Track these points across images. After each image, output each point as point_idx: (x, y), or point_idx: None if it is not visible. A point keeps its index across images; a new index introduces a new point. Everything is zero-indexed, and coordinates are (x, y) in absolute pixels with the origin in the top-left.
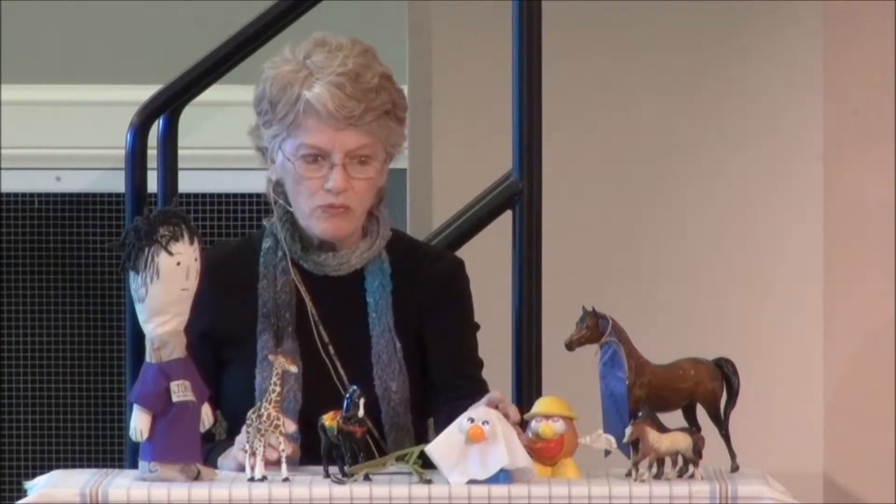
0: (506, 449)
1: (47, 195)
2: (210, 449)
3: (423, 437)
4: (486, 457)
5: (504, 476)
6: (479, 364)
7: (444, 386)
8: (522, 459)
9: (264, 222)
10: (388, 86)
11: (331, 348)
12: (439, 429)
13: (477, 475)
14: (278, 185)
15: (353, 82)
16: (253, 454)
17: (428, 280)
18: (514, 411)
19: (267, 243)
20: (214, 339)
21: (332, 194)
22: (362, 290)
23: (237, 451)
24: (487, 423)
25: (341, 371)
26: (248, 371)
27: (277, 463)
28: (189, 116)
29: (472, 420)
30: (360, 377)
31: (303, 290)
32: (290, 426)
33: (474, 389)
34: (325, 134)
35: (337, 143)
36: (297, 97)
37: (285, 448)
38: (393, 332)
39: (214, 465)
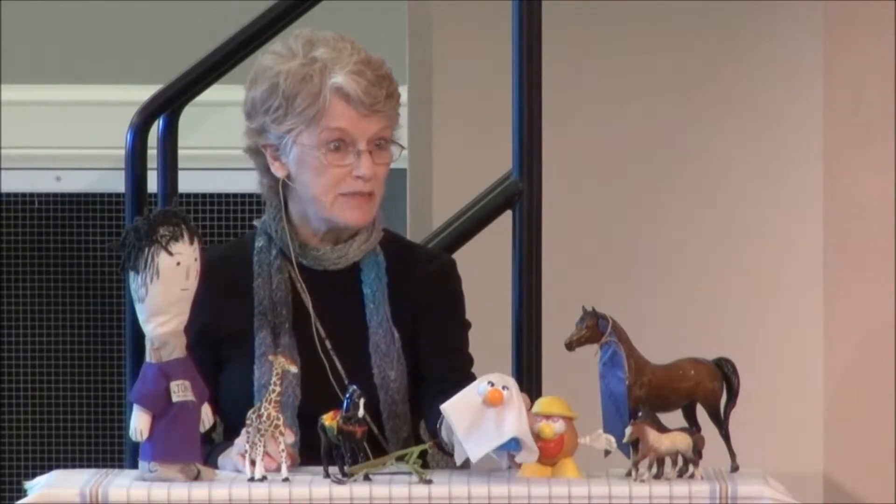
0: (520, 418)
1: (47, 195)
2: (209, 451)
3: (419, 426)
4: (502, 422)
5: (515, 444)
6: (470, 360)
7: (434, 378)
8: (530, 440)
9: (255, 222)
10: (391, 72)
11: (328, 343)
12: (429, 420)
13: (492, 441)
14: (282, 182)
15: (369, 69)
16: (252, 461)
17: (421, 279)
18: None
19: (260, 242)
20: (212, 339)
21: (363, 181)
22: (359, 283)
23: (235, 454)
24: (507, 388)
25: (339, 366)
26: (245, 368)
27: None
28: (189, 116)
29: (491, 384)
30: (358, 368)
31: (298, 286)
32: (290, 436)
33: (464, 382)
34: (350, 120)
35: (361, 129)
36: (320, 87)
37: (284, 450)
38: (391, 322)
39: (215, 466)
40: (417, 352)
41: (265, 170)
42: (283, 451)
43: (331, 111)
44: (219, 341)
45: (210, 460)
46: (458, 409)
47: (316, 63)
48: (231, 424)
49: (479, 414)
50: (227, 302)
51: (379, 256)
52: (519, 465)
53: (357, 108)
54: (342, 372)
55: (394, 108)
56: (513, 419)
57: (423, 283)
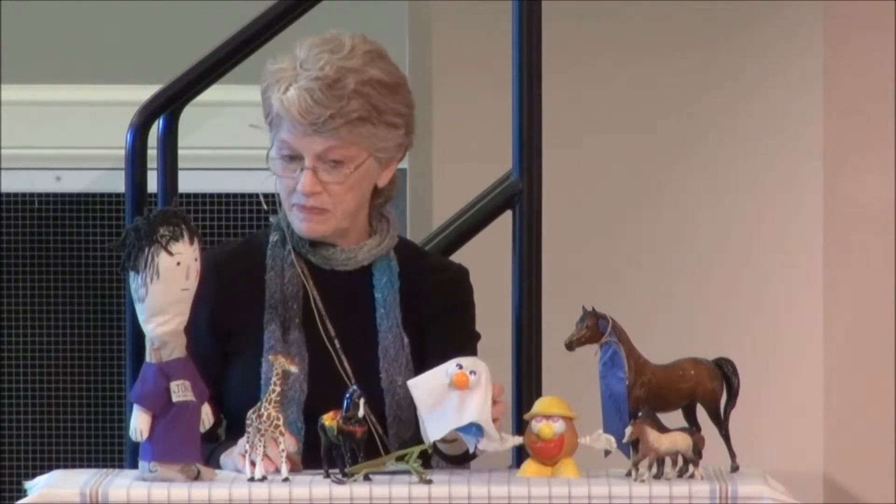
0: (483, 405)
1: (47, 195)
2: (213, 449)
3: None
4: (464, 406)
5: (476, 430)
6: None
7: None
8: (491, 428)
9: (271, 219)
10: (369, 91)
11: (336, 342)
12: None
13: (450, 423)
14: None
15: (327, 88)
16: (252, 461)
17: (433, 288)
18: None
19: (274, 237)
20: (220, 331)
21: (304, 196)
22: (370, 287)
23: (237, 454)
24: (475, 373)
25: (346, 364)
26: (252, 363)
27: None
28: (189, 116)
29: (460, 366)
30: (365, 370)
31: (309, 283)
32: (291, 444)
33: None
34: (293, 135)
35: (304, 146)
36: (276, 97)
37: (284, 451)
38: (401, 328)
39: (217, 465)
40: (424, 359)
41: None
42: (282, 451)
43: (281, 125)
44: (227, 334)
45: (213, 458)
46: (423, 388)
47: (287, 71)
48: (236, 419)
49: (443, 395)
50: (236, 295)
51: (392, 262)
52: (481, 452)
53: (296, 126)
54: (350, 372)
55: (347, 128)
56: (476, 405)
57: (434, 291)
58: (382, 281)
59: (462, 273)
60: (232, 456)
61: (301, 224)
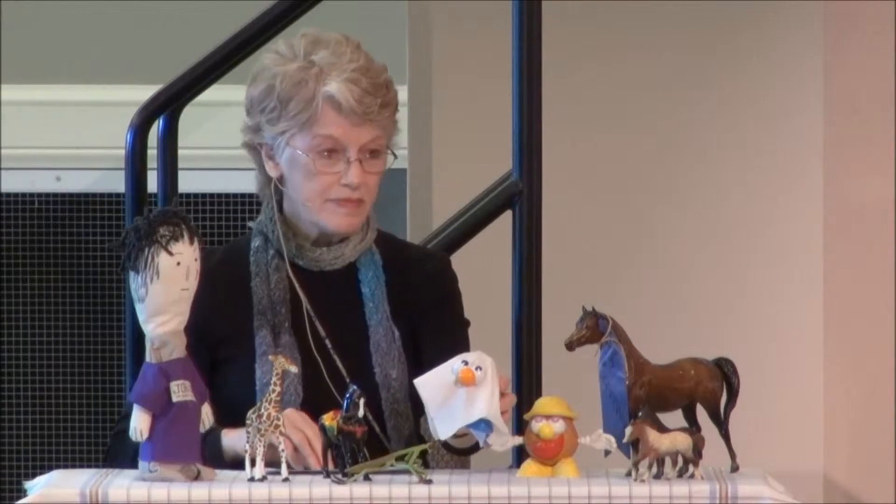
0: (491, 400)
1: (47, 195)
2: (207, 433)
3: (420, 424)
4: (472, 402)
5: (485, 425)
6: None
7: None
8: (500, 423)
9: (250, 224)
10: (391, 80)
11: (328, 342)
12: None
13: (460, 420)
14: (271, 184)
15: (366, 77)
16: (252, 459)
17: (418, 279)
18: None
19: (256, 242)
20: (209, 339)
21: (351, 189)
22: (356, 283)
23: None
24: (480, 368)
25: (339, 364)
26: (246, 368)
27: (277, 463)
28: (189, 116)
29: (465, 363)
30: (359, 367)
31: (296, 286)
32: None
33: None
34: (341, 128)
35: (352, 138)
36: (314, 93)
37: (284, 450)
38: (391, 321)
39: (213, 445)
40: (419, 352)
41: (261, 166)
42: (282, 451)
43: (323, 118)
44: (216, 342)
45: (208, 440)
46: (430, 386)
47: (313, 67)
48: (230, 424)
49: (450, 392)
50: (224, 302)
51: (375, 255)
52: (489, 446)
53: (349, 116)
54: (343, 371)
55: (389, 118)
56: (483, 400)
57: (420, 284)
58: (368, 275)
59: (445, 262)
60: (236, 448)
61: (338, 219)
